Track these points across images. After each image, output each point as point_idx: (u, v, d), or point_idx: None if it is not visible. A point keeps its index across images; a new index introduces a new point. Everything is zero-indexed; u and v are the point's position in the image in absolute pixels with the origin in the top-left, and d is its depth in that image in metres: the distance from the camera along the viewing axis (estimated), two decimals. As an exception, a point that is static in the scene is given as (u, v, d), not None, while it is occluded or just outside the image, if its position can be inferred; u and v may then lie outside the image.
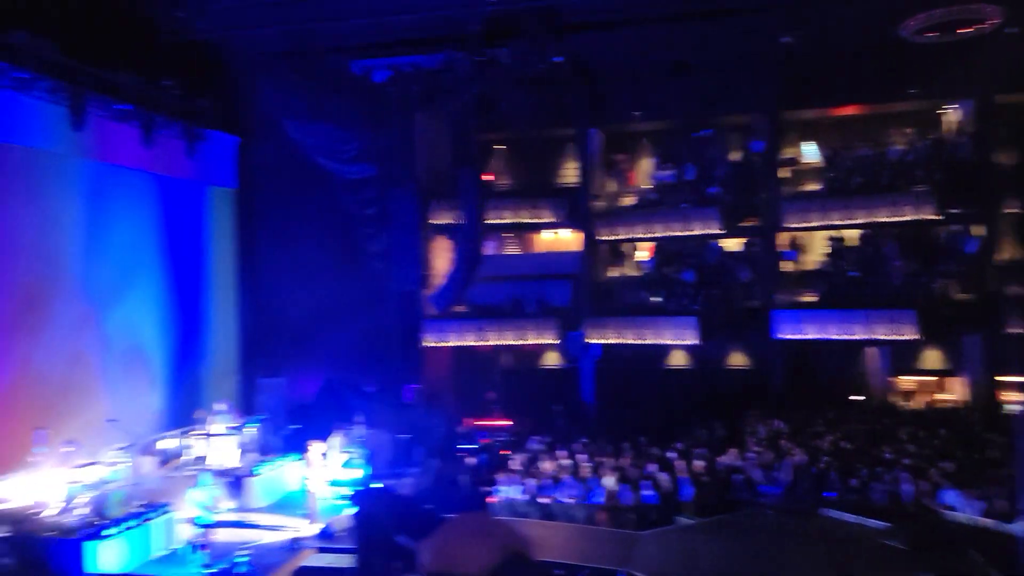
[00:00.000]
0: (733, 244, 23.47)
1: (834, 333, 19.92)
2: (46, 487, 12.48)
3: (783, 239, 22.30)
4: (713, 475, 15.29)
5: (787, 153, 22.49)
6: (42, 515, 12.24)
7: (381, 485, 13.93)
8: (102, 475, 12.99)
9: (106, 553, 12.02)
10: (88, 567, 11.64)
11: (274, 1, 16.30)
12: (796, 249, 22.78)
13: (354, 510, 14.51)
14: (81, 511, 12.24)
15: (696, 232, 21.88)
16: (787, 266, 22.38)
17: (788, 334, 20.43)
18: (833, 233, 22.06)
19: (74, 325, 15.48)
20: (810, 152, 22.58)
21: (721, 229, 21.74)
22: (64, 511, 12.24)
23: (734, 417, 19.38)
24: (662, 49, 19.58)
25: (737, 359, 22.59)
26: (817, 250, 22.77)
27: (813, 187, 22.18)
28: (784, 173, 22.19)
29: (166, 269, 18.41)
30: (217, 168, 20.03)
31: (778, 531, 13.33)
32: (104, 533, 12.02)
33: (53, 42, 14.35)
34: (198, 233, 19.62)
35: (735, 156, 23.52)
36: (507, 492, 14.91)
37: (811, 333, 20.17)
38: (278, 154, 20.19)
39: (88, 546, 11.76)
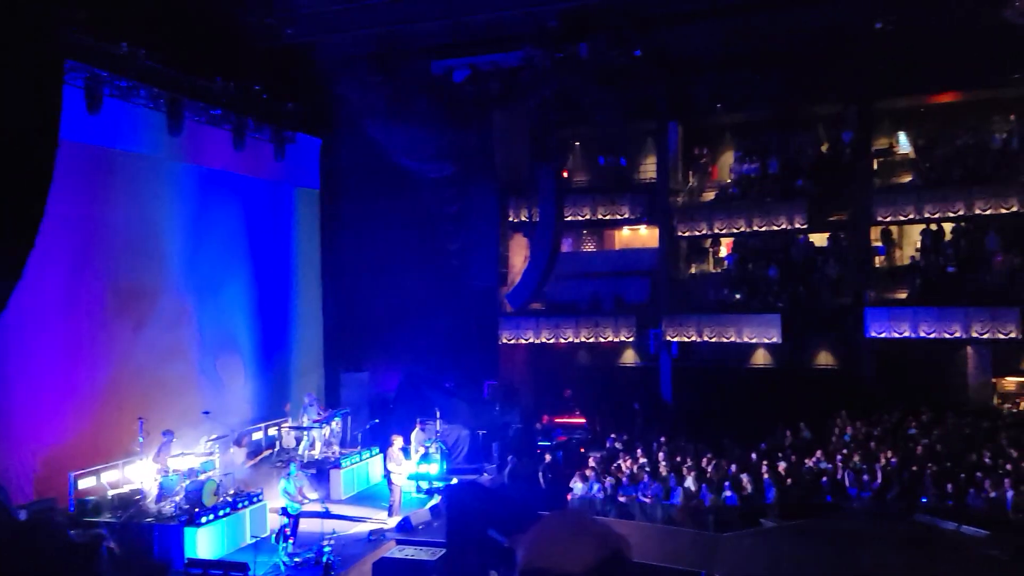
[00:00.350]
0: (820, 239, 22.73)
1: (929, 331, 19.03)
2: (146, 475, 13.15)
3: (874, 233, 21.43)
4: (798, 477, 14.85)
5: (879, 143, 21.59)
6: (143, 502, 12.92)
7: (472, 478, 14.13)
8: (196, 465, 13.59)
9: (203, 539, 12.60)
10: (187, 552, 12.22)
11: (358, 5, 16.66)
12: (888, 243, 21.85)
13: (441, 502, 14.83)
14: (177, 499, 12.86)
15: (781, 227, 21.25)
16: (879, 261, 21.49)
17: (879, 332, 19.64)
18: (928, 226, 21.06)
19: (171, 320, 16.26)
20: (904, 142, 21.62)
21: (807, 223, 21.06)
22: (162, 499, 12.88)
23: (820, 418, 18.77)
24: (746, 39, 19.07)
25: (824, 358, 21.85)
26: (911, 244, 21.79)
27: (906, 178, 21.23)
28: (876, 164, 21.30)
29: (255, 267, 19.12)
30: (302, 169, 20.67)
31: (868, 537, 12.83)
32: (201, 520, 12.59)
33: (152, 51, 15.07)
34: (285, 232, 20.30)
35: (823, 147, 22.74)
36: (584, 490, 14.86)
37: (904, 331, 19.32)
38: (359, 154, 20.67)
39: (188, 532, 12.35)
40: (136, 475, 13.31)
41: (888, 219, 20.63)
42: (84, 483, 13.03)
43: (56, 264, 13.55)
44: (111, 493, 13.10)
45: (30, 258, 8.77)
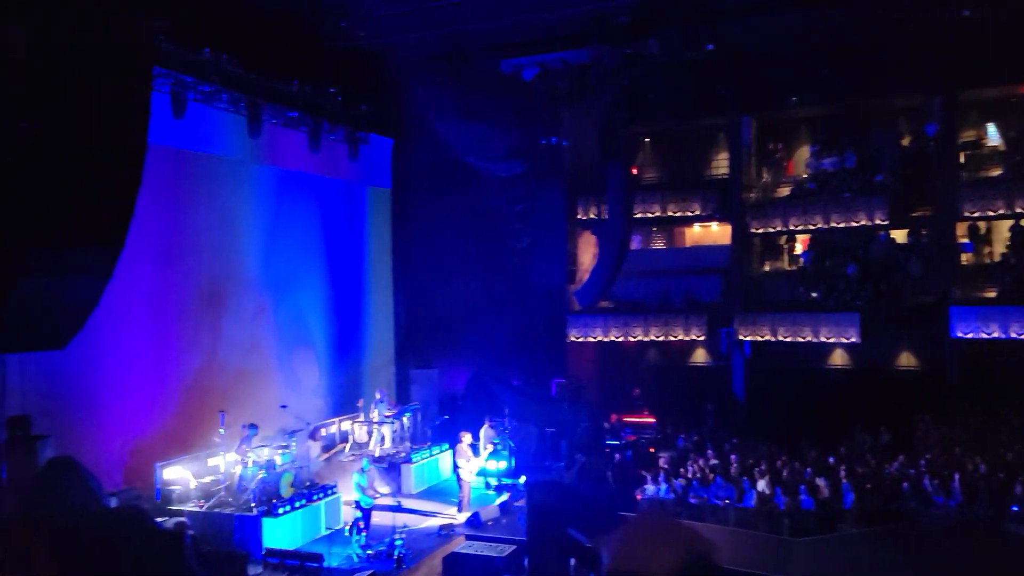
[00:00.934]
0: (901, 235, 21.88)
1: (1021, 332, 18.10)
2: (227, 466, 13.63)
3: (960, 229, 20.50)
4: (878, 482, 14.36)
5: (965, 136, 20.63)
6: (224, 492, 13.40)
7: (552, 477, 14.16)
8: (274, 457, 14.01)
9: (280, 530, 13.00)
10: (265, 542, 12.62)
11: (428, 6, 16.86)
12: (976, 240, 20.87)
13: (514, 498, 14.91)
14: (256, 490, 13.28)
15: (860, 223, 20.54)
16: (965, 259, 20.55)
17: (966, 333, 18.77)
18: (1019, 222, 20.00)
19: (250, 317, 16.82)
20: (993, 134, 20.60)
21: (888, 219, 20.30)
22: (241, 489, 13.33)
23: (902, 422, 18.08)
24: (823, 29, 18.48)
25: (905, 359, 21.03)
26: (1000, 241, 20.75)
27: (996, 172, 20.22)
28: (962, 158, 20.37)
29: (329, 266, 19.59)
30: (374, 169, 21.07)
31: (952, 546, 12.31)
32: (279, 511, 12.98)
33: (232, 56, 15.60)
34: (358, 231, 20.73)
35: (904, 141, 21.88)
36: (654, 490, 14.71)
37: (993, 332, 18.42)
38: (429, 154, 20.94)
39: (266, 522, 12.75)
40: (218, 466, 13.79)
41: (976, 214, 19.70)
42: (169, 473, 13.61)
43: (144, 263, 14.16)
44: (194, 483, 13.63)
45: (120, 258, 9.18)
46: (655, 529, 1.26)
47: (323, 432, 17.27)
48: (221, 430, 13.72)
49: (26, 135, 7.84)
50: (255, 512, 12.83)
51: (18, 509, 10.90)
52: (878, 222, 20.45)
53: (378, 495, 15.32)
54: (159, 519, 12.08)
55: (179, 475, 13.70)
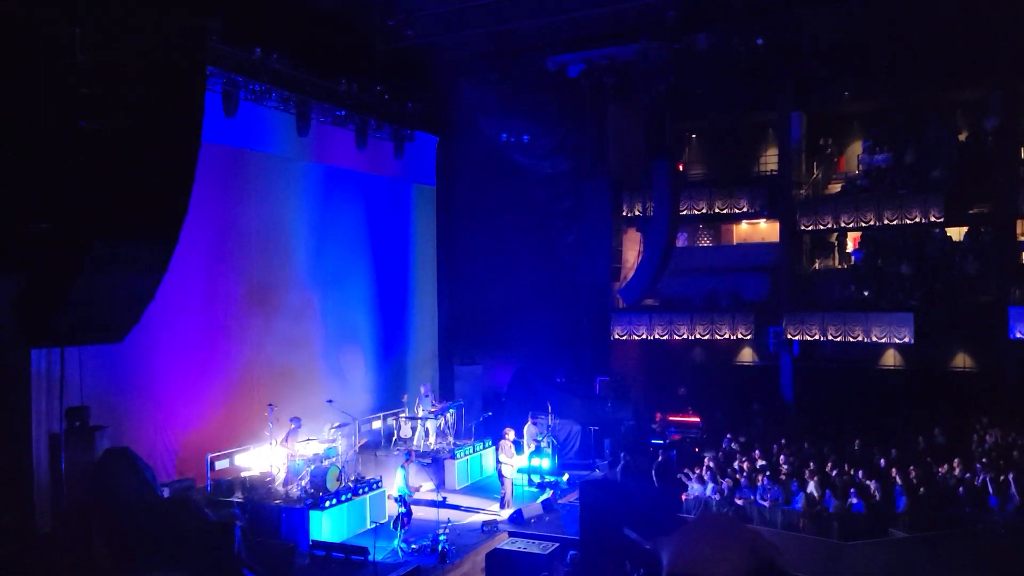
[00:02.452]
0: (957, 233, 21.24)
1: (1083, 334, 17.44)
2: (275, 459, 13.88)
3: (1020, 227, 19.82)
4: (932, 486, 13.95)
5: (1027, 131, 19.95)
6: (272, 484, 13.65)
7: (605, 475, 14.07)
8: (320, 451, 14.22)
9: (326, 522, 13.19)
10: (312, 534, 12.82)
11: (474, 4, 16.91)
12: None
13: (565, 495, 14.89)
14: (303, 483, 13.50)
15: (914, 220, 20.00)
16: (1026, 257, 19.88)
17: (1025, 334, 18.16)
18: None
19: (298, 313, 17.08)
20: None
21: (944, 216, 19.72)
22: (288, 482, 13.56)
23: (957, 424, 17.57)
24: (877, 21, 18.02)
25: (961, 360, 20.42)
26: (1062, 239, 20.02)
27: (1059, 168, 19.51)
28: (1022, 153, 19.69)
29: (375, 262, 19.79)
30: (420, 167, 21.21)
31: (1010, 553, 11.90)
32: (325, 504, 13.17)
33: (282, 56, 15.86)
34: (403, 229, 20.91)
35: (961, 136, 21.23)
36: (700, 490, 14.54)
37: (1055, 333, 17.79)
38: (475, 151, 21.00)
39: (313, 515, 12.95)
40: (266, 459, 14.06)
41: (1038, 212, 19.05)
42: (220, 465, 13.90)
43: (196, 258, 14.48)
44: (243, 475, 13.91)
45: (174, 254, 9.41)
46: (718, 532, 1.23)
47: (369, 427, 17.41)
48: (270, 423, 13.97)
49: (85, 135, 8.08)
50: (302, 505, 13.03)
51: (76, 497, 11.29)
52: (933, 219, 19.89)
53: (422, 490, 15.46)
54: (209, 509, 12.35)
55: (229, 467, 13.99)
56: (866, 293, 20.85)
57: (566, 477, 16.46)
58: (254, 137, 16.12)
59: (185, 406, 14.44)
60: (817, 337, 20.54)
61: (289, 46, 16.08)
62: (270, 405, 14.15)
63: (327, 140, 17.97)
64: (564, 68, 19.19)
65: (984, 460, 14.93)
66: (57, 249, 8.60)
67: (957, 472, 14.35)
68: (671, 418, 20.27)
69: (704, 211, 22.72)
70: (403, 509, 13.29)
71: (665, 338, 22.40)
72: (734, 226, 24.63)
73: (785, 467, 15.19)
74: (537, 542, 12.77)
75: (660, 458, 16.58)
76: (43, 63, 8.17)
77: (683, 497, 14.55)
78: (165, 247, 9.17)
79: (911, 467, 14.62)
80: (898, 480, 13.94)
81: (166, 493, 12.37)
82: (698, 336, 22.13)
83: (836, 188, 22.29)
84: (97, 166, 8.26)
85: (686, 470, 15.15)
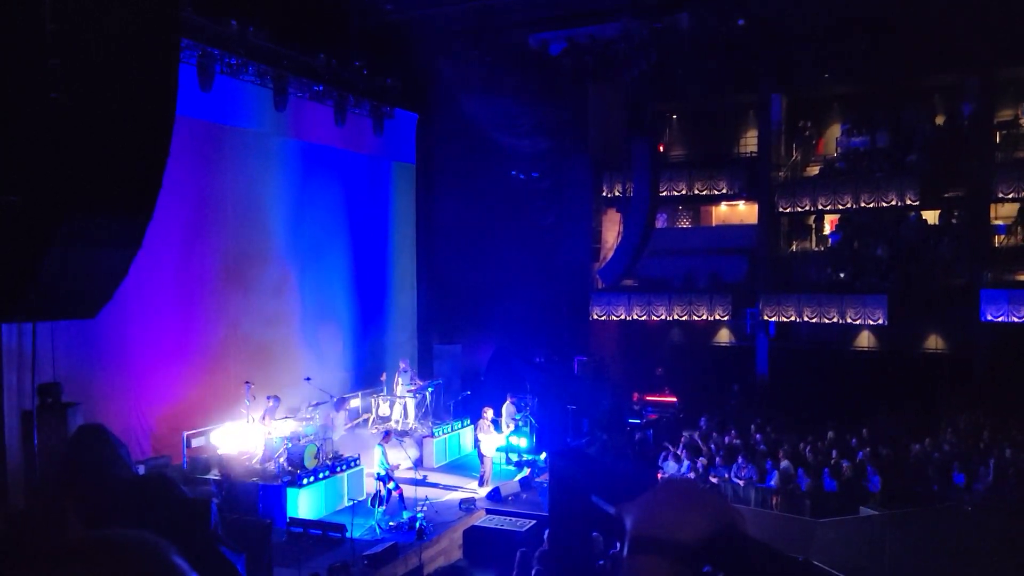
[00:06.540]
0: (933, 216, 21.49)
1: (1053, 317, 17.75)
2: (251, 437, 13.82)
3: (994, 211, 20.09)
4: (902, 465, 14.23)
5: (1002, 115, 20.14)
6: (249, 462, 13.60)
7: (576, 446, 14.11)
8: (298, 428, 14.18)
9: (303, 500, 13.18)
10: (289, 511, 12.81)
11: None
12: (1008, 222, 20.44)
13: (543, 467, 14.95)
14: (281, 460, 13.46)
15: (891, 203, 20.19)
16: (998, 240, 20.16)
17: (996, 316, 18.45)
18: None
19: (275, 289, 16.94)
20: (1030, 113, 20.10)
21: (920, 200, 19.93)
22: (266, 459, 13.52)
23: (928, 405, 17.88)
24: (855, 4, 18.06)
25: (933, 342, 20.75)
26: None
27: (1032, 153, 19.76)
28: (998, 138, 19.91)
29: (353, 239, 19.65)
30: (399, 144, 21.03)
31: (977, 530, 12.18)
32: (303, 482, 13.16)
33: (259, 28, 15.58)
34: (382, 206, 20.76)
35: (939, 120, 21.41)
36: (675, 468, 14.71)
37: (1024, 316, 18.10)
38: (455, 129, 20.83)
39: (290, 492, 12.94)
40: (242, 436, 13.99)
41: (1011, 196, 19.28)
42: (196, 442, 13.82)
43: (172, 234, 14.28)
44: (220, 452, 13.85)
45: (149, 228, 9.25)
46: (681, 495, 1.23)
47: (346, 404, 17.41)
48: (247, 400, 13.89)
49: (56, 107, 7.90)
50: (279, 482, 13.01)
51: (50, 474, 11.16)
52: (909, 203, 20.10)
53: (400, 468, 15.47)
54: (186, 487, 12.28)
55: (206, 444, 13.92)
56: (842, 275, 21.06)
57: (544, 456, 16.55)
58: (231, 111, 15.87)
59: (160, 383, 14.31)
60: (793, 318, 20.75)
61: (266, 19, 15.81)
62: (247, 383, 14.06)
63: (305, 116, 17.74)
64: (546, 46, 19.06)
65: (953, 440, 15.23)
66: (27, 223, 8.42)
67: (927, 451, 14.64)
68: (648, 398, 20.43)
69: (684, 192, 22.76)
70: (392, 485, 13.30)
71: (644, 319, 22.51)
72: (713, 207, 24.71)
73: (760, 447, 15.40)
74: (514, 519, 12.87)
75: (637, 437, 16.75)
76: (11, 34, 7.96)
77: (659, 476, 14.71)
78: (139, 222, 8.99)
79: (882, 446, 14.90)
80: (869, 460, 14.20)
81: (141, 471, 12.26)
82: (676, 317, 22.25)
83: (815, 171, 22.42)
84: (68, 139, 8.08)
85: (665, 446, 15.30)
